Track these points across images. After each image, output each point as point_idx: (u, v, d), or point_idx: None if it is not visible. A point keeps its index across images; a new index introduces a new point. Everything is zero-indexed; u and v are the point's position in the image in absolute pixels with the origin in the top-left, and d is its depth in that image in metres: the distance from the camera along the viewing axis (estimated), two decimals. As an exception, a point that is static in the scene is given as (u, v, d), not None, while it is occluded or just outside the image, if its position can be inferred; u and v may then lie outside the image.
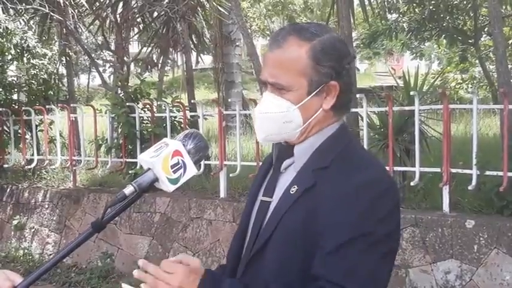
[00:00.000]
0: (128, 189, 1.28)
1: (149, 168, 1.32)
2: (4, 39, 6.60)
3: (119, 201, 1.29)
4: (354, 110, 5.22)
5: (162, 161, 1.30)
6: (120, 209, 1.32)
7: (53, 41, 9.00)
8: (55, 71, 7.44)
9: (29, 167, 6.82)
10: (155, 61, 8.72)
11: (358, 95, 4.96)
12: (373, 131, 5.15)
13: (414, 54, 20.53)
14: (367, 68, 29.00)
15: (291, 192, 1.37)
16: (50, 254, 6.20)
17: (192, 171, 1.35)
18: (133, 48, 10.37)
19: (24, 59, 6.90)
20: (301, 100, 1.37)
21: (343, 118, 1.47)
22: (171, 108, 5.90)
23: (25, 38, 6.74)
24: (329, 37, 1.38)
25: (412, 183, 4.52)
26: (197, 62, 11.02)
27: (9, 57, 6.84)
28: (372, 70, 27.39)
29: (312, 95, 1.37)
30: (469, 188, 4.28)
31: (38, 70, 6.93)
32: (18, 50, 6.77)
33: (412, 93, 4.63)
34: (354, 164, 1.36)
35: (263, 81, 1.41)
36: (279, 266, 1.35)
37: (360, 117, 5.30)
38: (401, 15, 11.51)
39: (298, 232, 1.32)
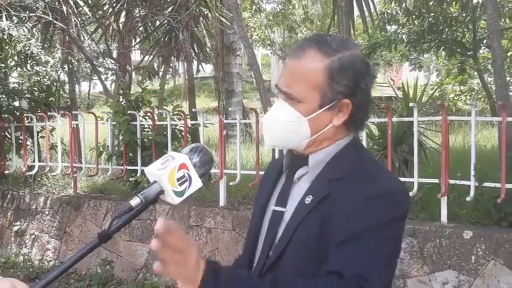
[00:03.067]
0: (135, 201, 1.29)
1: (155, 181, 1.34)
2: (8, 46, 6.65)
3: (125, 213, 1.30)
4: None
5: (169, 174, 1.32)
6: (126, 220, 1.33)
7: (55, 49, 9.06)
8: (57, 78, 7.48)
9: (30, 173, 6.84)
10: (157, 69, 8.77)
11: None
12: (372, 141, 5.20)
13: (413, 66, 20.62)
14: (366, 78, 29.03)
15: (306, 202, 1.37)
16: (50, 261, 6.21)
17: (197, 184, 1.36)
18: (135, 56, 10.43)
19: (28, 65, 6.94)
20: (311, 113, 1.37)
21: (356, 132, 1.47)
22: (172, 116, 5.94)
23: (29, 45, 6.78)
24: (350, 55, 1.37)
25: (410, 194, 4.55)
26: (198, 71, 11.08)
27: (13, 63, 6.89)
28: (371, 81, 27.42)
29: (323, 109, 1.37)
30: (467, 199, 4.30)
31: (41, 77, 6.96)
32: (22, 57, 6.81)
33: (411, 104, 4.67)
34: (367, 175, 1.37)
35: (278, 88, 1.42)
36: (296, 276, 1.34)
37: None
38: (400, 27, 11.57)
39: (313, 241, 1.33)
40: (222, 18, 7.92)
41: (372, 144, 5.18)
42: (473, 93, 14.53)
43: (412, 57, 17.53)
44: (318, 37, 1.42)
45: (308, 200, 1.38)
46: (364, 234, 1.28)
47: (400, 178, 4.66)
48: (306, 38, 1.44)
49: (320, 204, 1.35)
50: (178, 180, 1.33)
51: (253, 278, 1.35)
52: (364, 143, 4.84)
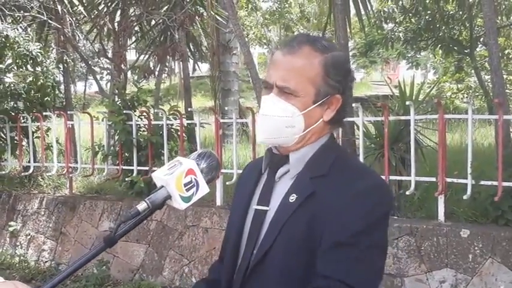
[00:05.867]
0: (141, 206, 1.30)
1: (162, 186, 1.34)
2: (6, 49, 6.61)
3: (132, 217, 1.30)
4: (350, 119, 5.25)
5: (176, 179, 1.32)
6: (133, 225, 1.33)
7: (51, 48, 9.02)
8: (53, 77, 7.44)
9: (26, 173, 6.81)
10: (152, 69, 8.74)
11: (354, 104, 4.99)
12: (369, 140, 5.17)
13: (410, 64, 20.64)
14: (363, 77, 29.12)
15: (291, 201, 1.38)
16: (46, 262, 6.18)
17: (204, 190, 1.37)
18: (131, 55, 10.39)
19: (28, 66, 6.90)
20: (306, 107, 1.40)
21: (336, 130, 1.52)
22: (168, 116, 5.91)
23: (27, 46, 6.73)
24: (339, 54, 1.45)
25: (407, 193, 4.54)
26: (194, 70, 11.05)
27: (9, 61, 6.84)
28: (368, 79, 27.51)
29: (317, 104, 1.41)
30: (464, 197, 4.30)
31: (42, 78, 6.91)
32: (22, 59, 6.75)
33: (407, 102, 4.66)
34: (352, 172, 1.41)
35: (269, 84, 1.43)
36: (281, 276, 1.36)
37: (356, 126, 5.32)
38: (397, 25, 11.56)
39: (300, 241, 1.34)
40: (217, 17, 7.90)
41: (369, 143, 5.16)
42: (470, 91, 14.51)
43: (409, 55, 17.53)
44: (308, 36, 1.47)
45: (292, 198, 1.38)
46: (356, 238, 1.30)
47: (397, 177, 4.70)
48: (296, 36, 1.48)
49: (306, 203, 1.36)
50: (185, 185, 1.33)
51: None
52: (360, 141, 4.83)
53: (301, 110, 1.39)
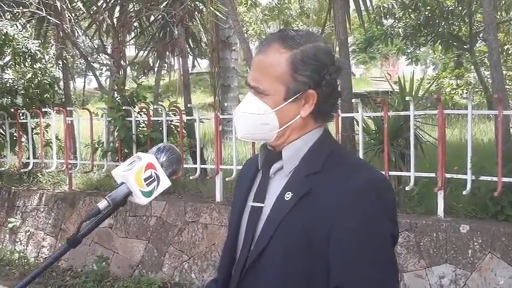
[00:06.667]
0: (102, 204, 1.30)
1: (123, 182, 1.34)
2: (6, 46, 6.59)
3: (93, 216, 1.30)
4: (349, 114, 5.26)
5: (135, 174, 1.33)
6: (95, 224, 1.32)
7: (50, 44, 9.00)
8: (53, 74, 7.43)
9: (25, 170, 6.81)
10: (152, 65, 8.72)
11: (353, 100, 5.00)
12: (369, 135, 5.17)
13: (410, 59, 20.63)
14: (362, 72, 29.12)
15: (286, 199, 1.37)
16: (45, 258, 6.18)
17: (165, 183, 1.38)
18: (130, 51, 10.38)
19: (27, 63, 6.89)
20: (278, 105, 1.39)
21: (326, 124, 1.48)
22: (167, 112, 5.91)
23: (26, 43, 6.71)
24: (312, 47, 1.39)
25: (407, 188, 4.54)
26: (193, 66, 11.04)
27: (7, 59, 6.83)
28: (368, 75, 27.49)
29: (289, 101, 1.39)
30: (464, 192, 4.30)
31: (41, 75, 6.90)
32: (21, 55, 6.74)
33: (407, 98, 4.66)
34: (347, 167, 1.39)
35: (247, 83, 1.45)
36: (281, 277, 1.34)
37: (355, 122, 5.32)
38: (396, 21, 11.54)
39: (299, 241, 1.32)
40: (217, 13, 7.88)
41: (369, 138, 5.16)
42: (469, 87, 14.50)
43: (409, 51, 17.52)
44: (283, 32, 1.45)
45: (288, 196, 1.37)
46: (365, 243, 1.29)
47: (396, 172, 4.70)
48: (272, 33, 1.47)
49: (302, 202, 1.35)
50: (145, 180, 1.34)
51: None
52: (360, 137, 4.83)
53: (273, 107, 1.39)
